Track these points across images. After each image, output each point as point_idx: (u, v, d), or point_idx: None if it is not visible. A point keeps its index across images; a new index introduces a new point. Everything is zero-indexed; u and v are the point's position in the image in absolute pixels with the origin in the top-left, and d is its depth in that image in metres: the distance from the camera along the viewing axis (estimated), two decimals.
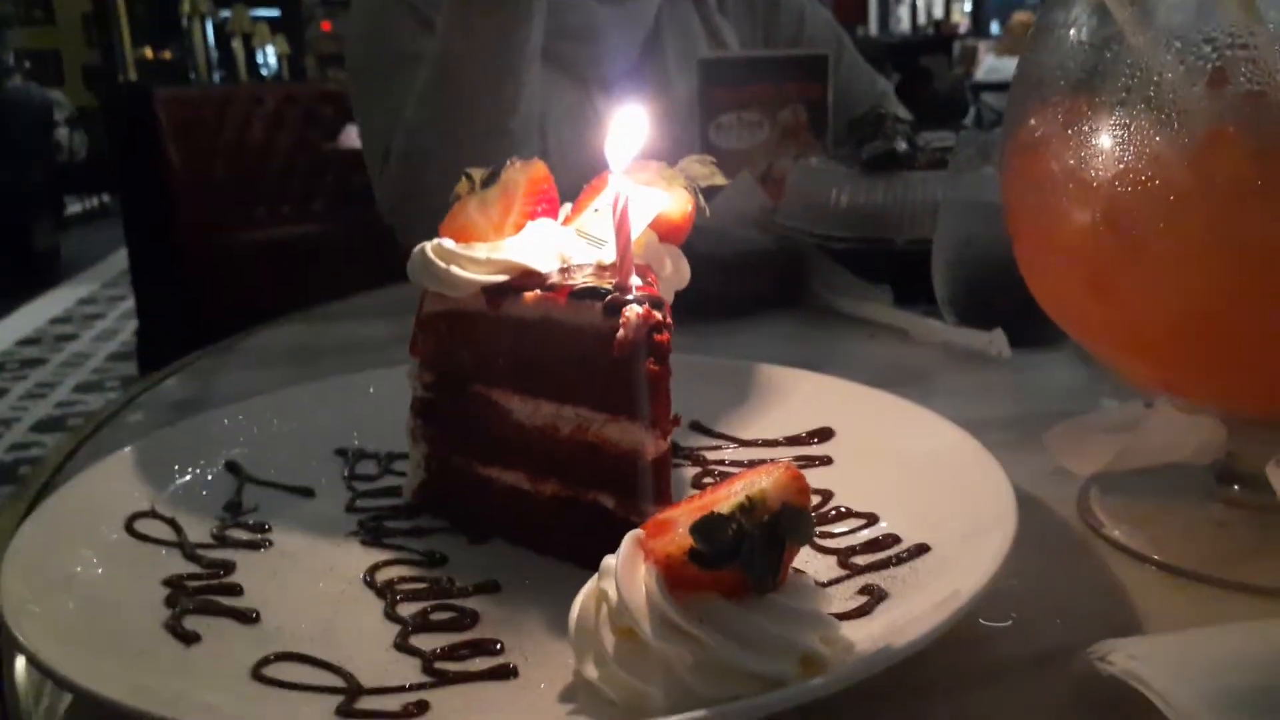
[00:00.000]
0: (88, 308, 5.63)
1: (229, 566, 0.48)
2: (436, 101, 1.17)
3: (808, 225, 0.97)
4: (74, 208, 8.82)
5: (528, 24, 1.14)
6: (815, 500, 0.52)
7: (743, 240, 0.95)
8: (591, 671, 0.36)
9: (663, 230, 0.51)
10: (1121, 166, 0.42)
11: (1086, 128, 0.43)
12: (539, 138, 1.25)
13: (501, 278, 0.49)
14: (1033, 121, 0.47)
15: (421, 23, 1.28)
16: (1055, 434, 0.59)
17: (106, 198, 8.75)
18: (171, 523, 0.51)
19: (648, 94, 1.38)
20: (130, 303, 4.17)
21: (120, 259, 5.05)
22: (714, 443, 0.61)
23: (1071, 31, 0.45)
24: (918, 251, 0.86)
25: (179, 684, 0.38)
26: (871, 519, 0.50)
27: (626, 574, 0.36)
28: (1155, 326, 0.45)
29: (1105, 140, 0.42)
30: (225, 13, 8.53)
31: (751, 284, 0.93)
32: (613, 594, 0.36)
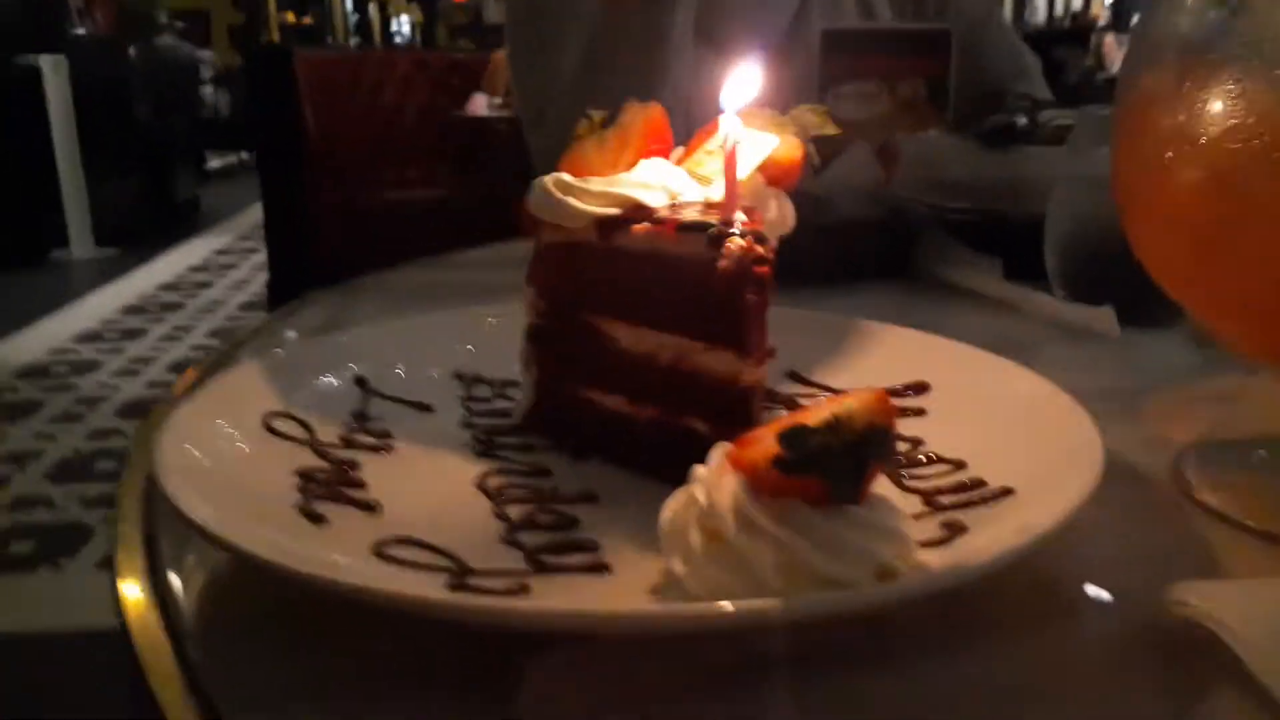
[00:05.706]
0: (223, 258, 5.94)
1: (354, 465, 0.52)
2: (586, 82, 1.19)
3: (921, 196, 0.97)
4: (214, 163, 9.27)
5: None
6: (905, 446, 0.53)
7: (852, 208, 0.95)
8: (679, 567, 0.39)
9: (771, 174, 0.53)
10: (1232, 123, 0.42)
11: (1197, 85, 0.43)
12: (683, 116, 1.27)
13: (613, 211, 0.51)
14: (1144, 81, 0.47)
15: None
16: (1154, 401, 0.59)
17: (245, 155, 9.17)
18: (303, 424, 0.56)
19: (792, 69, 1.38)
20: (262, 255, 4.38)
21: (255, 213, 5.30)
22: (809, 390, 0.63)
23: None
24: (1030, 226, 0.86)
25: (311, 550, 0.42)
26: (959, 464, 0.51)
27: (715, 479, 0.39)
28: (1260, 288, 0.45)
29: (1216, 97, 0.42)
30: None
31: (857, 252, 0.94)
32: (701, 497, 0.39)
